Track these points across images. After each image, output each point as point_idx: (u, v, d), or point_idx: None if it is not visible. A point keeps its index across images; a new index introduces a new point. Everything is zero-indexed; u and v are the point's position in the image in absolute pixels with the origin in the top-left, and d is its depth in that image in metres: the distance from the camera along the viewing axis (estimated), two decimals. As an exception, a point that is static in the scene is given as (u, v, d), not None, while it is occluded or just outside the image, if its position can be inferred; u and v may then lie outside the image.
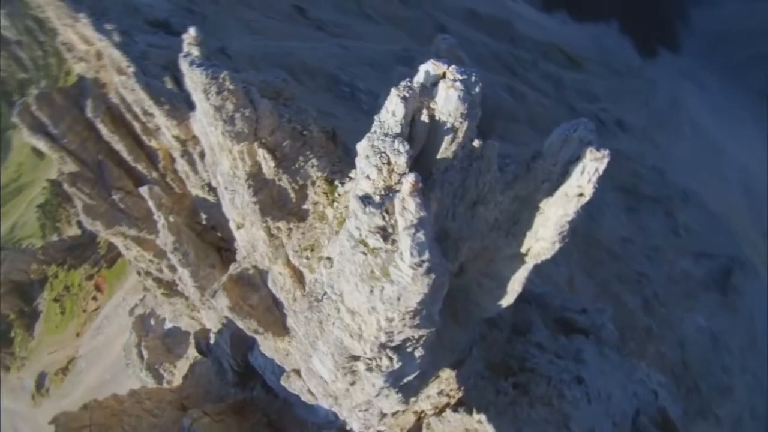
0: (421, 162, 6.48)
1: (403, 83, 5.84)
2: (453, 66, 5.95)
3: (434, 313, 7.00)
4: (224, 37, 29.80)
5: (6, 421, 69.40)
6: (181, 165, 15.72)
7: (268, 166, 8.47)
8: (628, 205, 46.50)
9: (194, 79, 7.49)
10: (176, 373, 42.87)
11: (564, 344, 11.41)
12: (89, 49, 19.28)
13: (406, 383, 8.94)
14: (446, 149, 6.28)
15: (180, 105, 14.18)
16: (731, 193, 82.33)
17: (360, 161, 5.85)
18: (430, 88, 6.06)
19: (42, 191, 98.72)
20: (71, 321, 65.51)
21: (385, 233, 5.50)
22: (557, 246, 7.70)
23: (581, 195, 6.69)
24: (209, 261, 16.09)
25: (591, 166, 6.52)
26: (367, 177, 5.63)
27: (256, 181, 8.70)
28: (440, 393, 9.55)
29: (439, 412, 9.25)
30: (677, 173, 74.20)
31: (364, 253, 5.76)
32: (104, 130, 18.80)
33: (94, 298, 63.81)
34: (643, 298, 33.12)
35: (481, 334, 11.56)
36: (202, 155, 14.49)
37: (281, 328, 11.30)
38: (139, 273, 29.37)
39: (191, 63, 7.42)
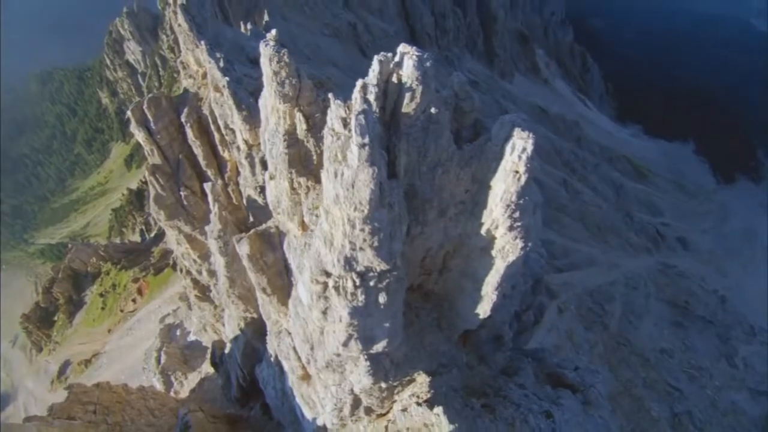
0: (395, 119, 8.71)
1: (382, 53, 8.35)
2: (415, 47, 8.52)
3: (393, 250, 8.12)
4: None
5: (20, 398, 71.40)
6: (244, 167, 18.28)
7: (301, 128, 10.62)
8: (674, 320, 43.57)
9: (265, 54, 10.32)
10: (185, 385, 43.56)
11: (547, 392, 11.28)
12: (199, 69, 23.61)
13: (376, 354, 9.57)
14: (408, 105, 8.58)
15: (255, 115, 16.98)
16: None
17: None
18: (400, 61, 8.59)
19: (120, 197, 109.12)
20: (108, 317, 68.36)
21: (345, 122, 7.25)
22: (519, 243, 8.59)
23: (517, 172, 7.94)
24: (244, 257, 17.80)
25: (518, 144, 8.10)
26: None
27: (290, 137, 10.90)
28: (412, 395, 9.98)
29: (406, 410, 9.64)
30: (746, 306, 68.33)
31: (331, 136, 7.44)
32: (190, 134, 22.35)
33: (134, 301, 66.63)
34: (672, 411, 29.85)
35: (469, 364, 11.85)
36: (261, 161, 17.01)
37: (286, 297, 12.51)
38: (181, 271, 31.77)
39: (266, 45, 10.12)
